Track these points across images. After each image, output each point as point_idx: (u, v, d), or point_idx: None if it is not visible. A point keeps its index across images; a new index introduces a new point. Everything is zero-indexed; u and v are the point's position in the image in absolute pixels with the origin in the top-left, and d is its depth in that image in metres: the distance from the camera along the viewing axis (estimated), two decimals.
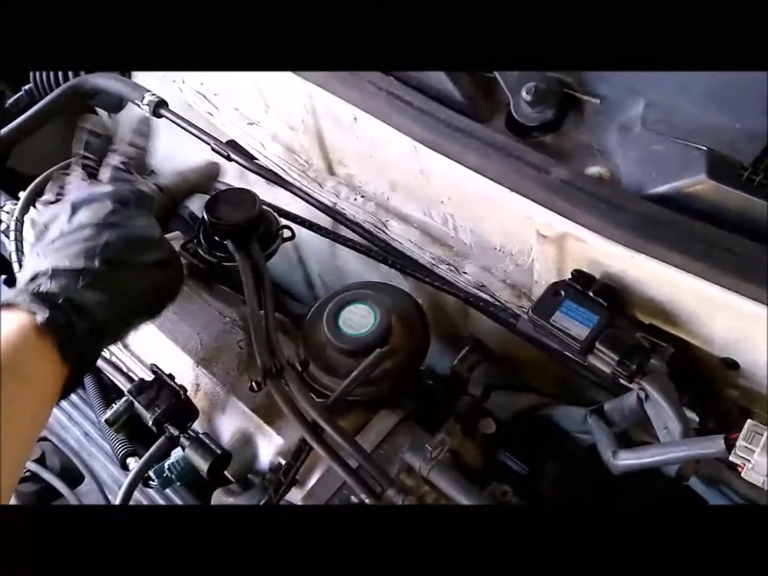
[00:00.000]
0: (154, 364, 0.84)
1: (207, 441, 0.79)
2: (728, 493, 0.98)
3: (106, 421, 0.82)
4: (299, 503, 0.79)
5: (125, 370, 0.94)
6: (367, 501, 0.76)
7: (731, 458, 0.69)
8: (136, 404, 0.81)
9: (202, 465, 0.78)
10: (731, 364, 0.77)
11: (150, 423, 0.80)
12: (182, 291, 0.94)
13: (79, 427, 1.00)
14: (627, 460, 0.75)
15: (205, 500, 0.90)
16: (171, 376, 0.82)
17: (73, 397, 1.01)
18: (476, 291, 0.93)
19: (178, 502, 0.92)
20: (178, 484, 0.87)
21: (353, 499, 0.77)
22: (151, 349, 0.91)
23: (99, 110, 1.36)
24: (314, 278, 1.23)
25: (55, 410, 0.99)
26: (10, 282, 1.03)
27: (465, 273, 0.94)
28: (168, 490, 0.91)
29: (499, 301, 0.91)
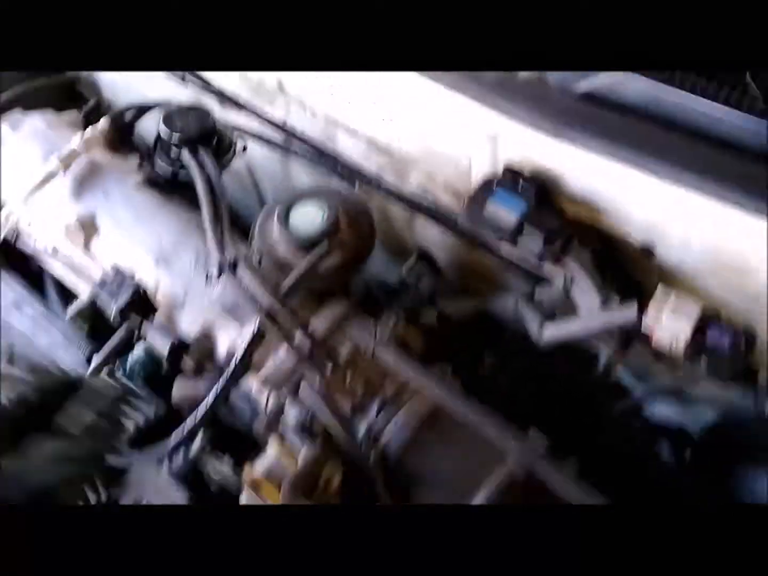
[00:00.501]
0: (115, 264, 0.89)
1: (167, 329, 0.85)
2: (654, 383, 1.07)
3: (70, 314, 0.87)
4: (254, 387, 0.85)
5: (86, 276, 0.98)
6: (317, 381, 0.82)
7: (643, 323, 0.76)
8: (100, 297, 0.86)
9: (163, 349, 0.83)
10: (648, 250, 0.85)
11: (113, 313, 0.85)
12: (141, 200, 0.99)
13: (46, 335, 1.03)
14: (552, 332, 0.83)
15: (166, 394, 0.95)
16: (131, 276, 0.87)
17: (37, 306, 1.05)
18: (420, 197, 0.99)
19: (142, 395, 0.96)
20: (142, 377, 0.93)
21: (305, 385, 0.83)
22: (112, 252, 0.96)
23: None
24: (268, 202, 1.28)
25: (19, 320, 1.04)
26: None
27: (410, 181, 1.00)
28: (132, 385, 0.96)
29: (441, 205, 0.98)
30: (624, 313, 0.77)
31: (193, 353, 0.88)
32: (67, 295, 1.00)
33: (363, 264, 0.91)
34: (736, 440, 0.96)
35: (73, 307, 0.88)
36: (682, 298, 0.76)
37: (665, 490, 0.98)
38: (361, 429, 0.82)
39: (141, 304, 0.87)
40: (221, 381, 0.83)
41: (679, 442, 1.05)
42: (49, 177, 0.99)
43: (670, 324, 0.74)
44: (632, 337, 0.97)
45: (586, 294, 0.82)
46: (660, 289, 0.77)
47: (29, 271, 1.16)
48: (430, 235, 1.06)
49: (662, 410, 1.09)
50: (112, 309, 0.85)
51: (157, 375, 0.93)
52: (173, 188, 1.03)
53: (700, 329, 0.74)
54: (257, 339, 0.83)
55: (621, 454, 1.04)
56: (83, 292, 0.96)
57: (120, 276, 0.87)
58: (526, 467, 0.73)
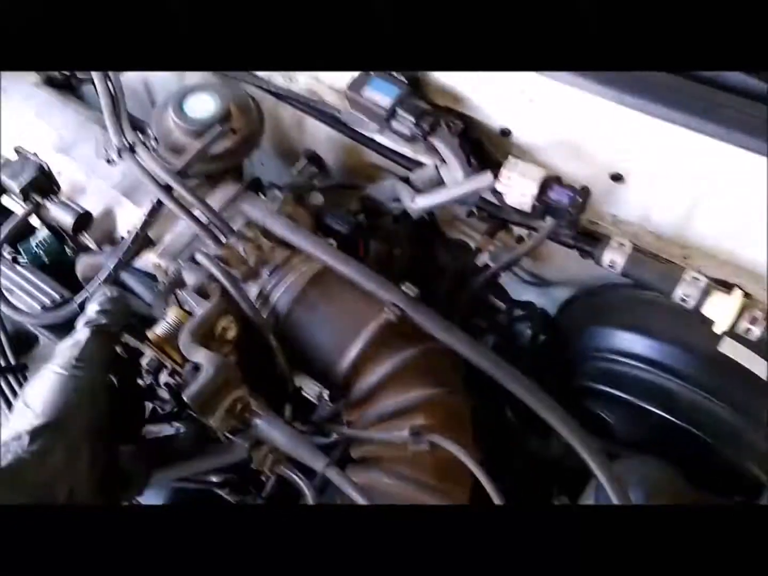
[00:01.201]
0: (18, 146, 0.94)
1: (70, 203, 0.91)
2: (516, 270, 1.20)
3: None
4: (152, 261, 0.93)
5: None
6: (213, 249, 0.90)
7: (497, 187, 0.88)
8: (3, 177, 0.91)
9: (68, 221, 0.89)
10: (506, 133, 0.97)
11: (17, 192, 0.90)
12: (41, 97, 1.04)
13: None
14: (422, 202, 0.94)
15: (69, 281, 1.00)
16: (34, 154, 0.93)
17: None
18: (308, 99, 1.08)
19: (44, 286, 1.01)
20: (47, 258, 0.99)
21: (201, 252, 0.90)
22: (14, 145, 1.00)
23: None
24: None
25: None
26: None
27: (298, 83, 1.09)
28: (35, 276, 1.00)
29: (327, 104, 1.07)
30: (481, 179, 0.89)
31: (95, 231, 0.94)
32: None
33: (253, 149, 1.00)
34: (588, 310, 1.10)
35: None
36: (530, 165, 0.88)
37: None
38: (254, 291, 0.90)
39: (44, 183, 0.92)
40: (123, 247, 0.90)
41: (538, 323, 1.19)
42: None
43: (519, 185, 0.86)
44: (497, 225, 1.11)
45: (451, 169, 0.93)
46: (511, 159, 0.89)
47: None
48: (318, 136, 1.15)
49: (524, 294, 1.23)
50: (14, 188, 0.90)
51: (61, 257, 0.99)
52: (70, 88, 1.09)
53: (544, 190, 0.87)
54: (156, 211, 0.91)
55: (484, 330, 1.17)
56: None
57: (23, 156, 0.92)
58: (400, 309, 0.83)
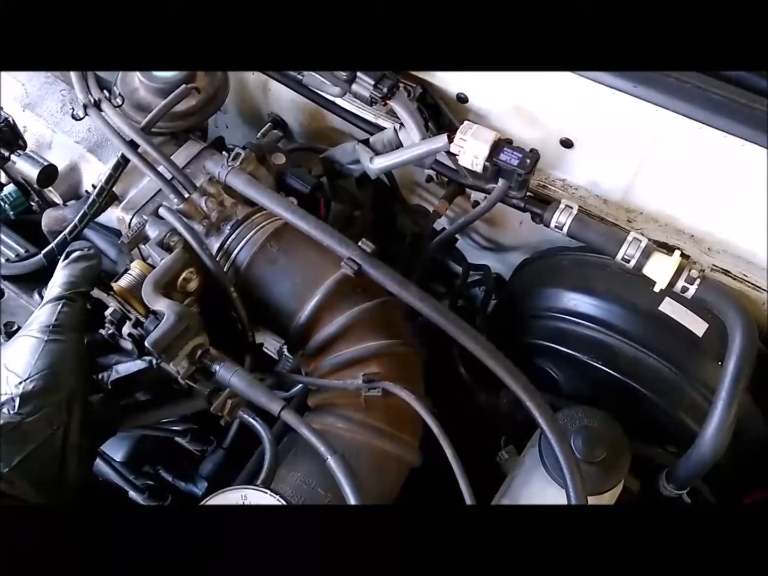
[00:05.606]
0: None
1: (35, 156, 0.93)
2: (474, 237, 1.24)
3: None
4: (119, 213, 0.95)
5: None
6: (176, 204, 0.93)
7: (451, 149, 0.92)
8: None
9: (32, 173, 0.91)
10: (463, 99, 1.01)
11: None
12: None
13: None
14: (380, 162, 0.97)
15: (35, 235, 1.02)
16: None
17: None
18: None
19: (8, 241, 1.03)
20: (12, 215, 1.01)
21: (165, 206, 0.92)
22: None
23: None
24: None
25: None
26: None
27: None
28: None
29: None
30: (437, 141, 0.92)
31: (60, 186, 0.96)
32: None
33: (217, 109, 1.02)
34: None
35: None
36: (483, 128, 0.92)
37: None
38: (215, 246, 0.93)
39: (9, 137, 0.93)
40: (89, 200, 0.92)
41: (491, 285, 1.24)
42: None
43: (472, 147, 0.90)
44: (455, 191, 1.15)
45: (409, 132, 0.97)
46: (466, 122, 0.92)
47: None
48: (282, 99, 1.18)
49: (481, 260, 1.27)
50: None
51: (26, 211, 1.01)
52: None
53: (495, 151, 0.90)
54: (121, 166, 0.93)
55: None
56: None
57: None
58: (357, 264, 0.86)
